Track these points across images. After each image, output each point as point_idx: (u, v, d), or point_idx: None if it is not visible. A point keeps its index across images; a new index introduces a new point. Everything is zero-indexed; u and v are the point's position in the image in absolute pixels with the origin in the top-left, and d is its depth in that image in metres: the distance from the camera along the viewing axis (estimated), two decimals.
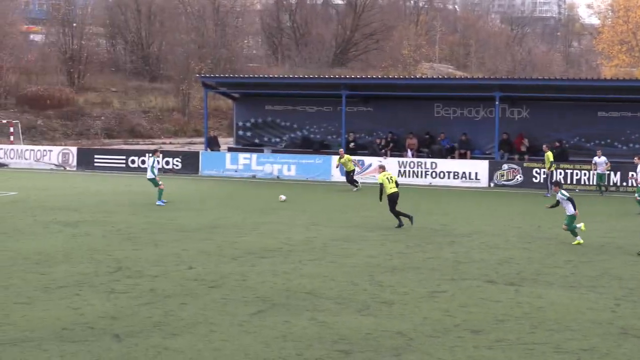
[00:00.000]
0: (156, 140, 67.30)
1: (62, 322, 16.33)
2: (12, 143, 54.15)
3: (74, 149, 50.07)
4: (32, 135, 65.29)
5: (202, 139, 56.85)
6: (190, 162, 46.97)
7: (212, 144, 49.96)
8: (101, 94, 78.01)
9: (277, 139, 51.50)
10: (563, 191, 25.46)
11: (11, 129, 55.84)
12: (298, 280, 20.04)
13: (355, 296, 18.22)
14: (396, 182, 28.46)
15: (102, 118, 71.63)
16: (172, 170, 46.01)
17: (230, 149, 50.45)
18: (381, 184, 28.06)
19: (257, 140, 51.74)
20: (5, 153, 51.51)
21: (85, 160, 48.64)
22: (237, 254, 23.32)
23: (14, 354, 14.40)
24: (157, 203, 33.41)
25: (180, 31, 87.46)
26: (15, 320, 16.50)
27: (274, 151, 48.92)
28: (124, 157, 48.47)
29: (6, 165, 50.77)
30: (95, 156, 48.81)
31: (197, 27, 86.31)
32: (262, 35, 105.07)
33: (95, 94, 77.94)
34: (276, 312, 17.18)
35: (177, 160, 47.20)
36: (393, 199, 27.95)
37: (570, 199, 25.09)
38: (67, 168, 48.76)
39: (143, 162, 46.83)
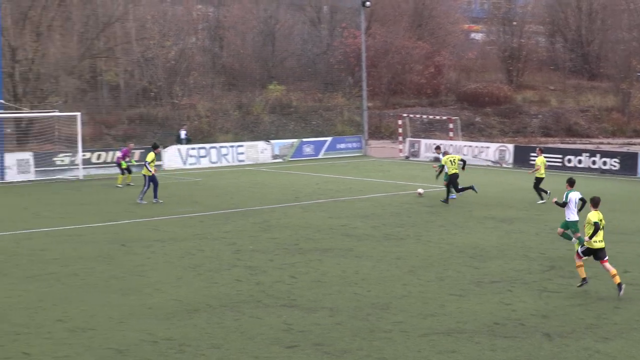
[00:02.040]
0: (593, 140, 65.99)
1: (493, 317, 16.60)
2: (451, 139, 55.73)
3: (510, 146, 50.46)
4: (470, 131, 66.69)
5: None
6: (628, 163, 45.49)
7: None
8: (539, 92, 77.79)
9: None
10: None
11: (450, 125, 57.41)
12: None
13: None
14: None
15: (539, 116, 71.46)
16: (609, 171, 44.84)
17: None
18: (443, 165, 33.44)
19: None
20: (444, 148, 53.18)
21: (521, 157, 48.78)
22: None
23: (448, 344, 14.89)
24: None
25: (622, 29, 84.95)
26: (449, 311, 17.04)
27: None
28: (560, 156, 48.00)
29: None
30: (531, 154, 48.85)
31: None
32: None
33: (533, 92, 77.89)
34: None
35: (614, 161, 45.86)
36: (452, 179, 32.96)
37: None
38: (503, 165, 49.27)
39: (580, 161, 46.19)
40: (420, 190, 35.87)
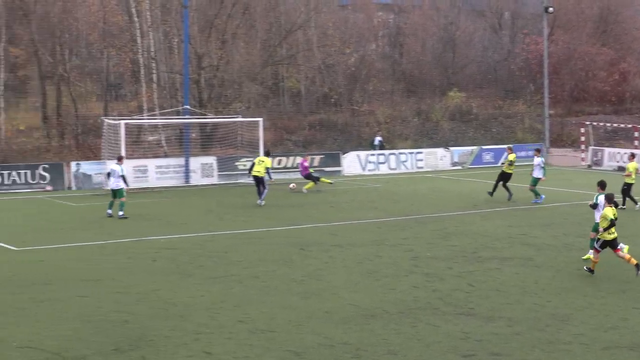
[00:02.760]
0: None
1: None
2: (636, 148, 53.99)
3: None
4: None
5: None
6: None
7: None
8: None
9: None
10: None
11: (636, 134, 55.69)
12: None
13: None
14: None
15: None
16: None
17: None
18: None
19: None
20: (620, 157, 51.64)
21: None
22: None
23: (630, 358, 14.45)
24: None
25: None
26: (632, 324, 16.55)
27: None
28: None
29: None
30: None
31: None
32: None
33: None
34: None
35: None
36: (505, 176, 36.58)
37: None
38: None
39: None
40: (292, 185, 38.90)
